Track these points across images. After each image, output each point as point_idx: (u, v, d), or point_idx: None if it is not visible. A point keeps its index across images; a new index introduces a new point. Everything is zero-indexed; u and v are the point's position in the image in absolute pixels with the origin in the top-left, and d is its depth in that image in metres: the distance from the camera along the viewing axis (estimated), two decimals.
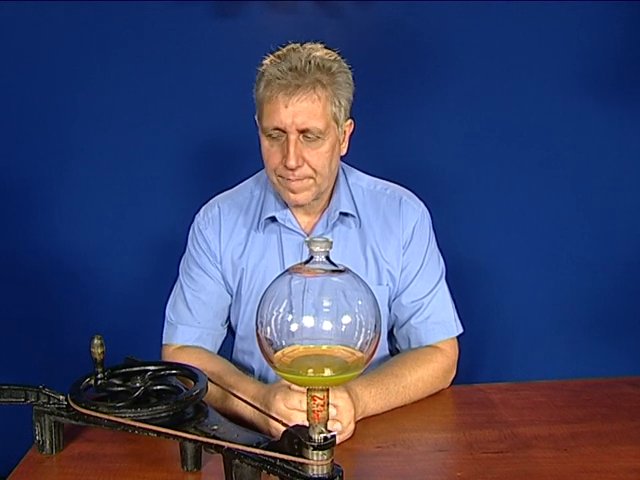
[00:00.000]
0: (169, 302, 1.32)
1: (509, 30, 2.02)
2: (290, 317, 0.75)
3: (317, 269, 0.76)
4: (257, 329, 0.77)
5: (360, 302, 0.76)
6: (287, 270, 0.79)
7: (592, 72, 2.03)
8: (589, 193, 2.11)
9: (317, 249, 0.76)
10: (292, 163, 1.13)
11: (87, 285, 2.05)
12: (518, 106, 2.06)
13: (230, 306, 1.32)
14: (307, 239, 0.78)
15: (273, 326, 0.75)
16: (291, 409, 0.99)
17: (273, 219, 1.26)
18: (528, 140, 2.08)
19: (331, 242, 0.77)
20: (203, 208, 1.34)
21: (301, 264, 0.79)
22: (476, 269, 1.98)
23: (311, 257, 0.77)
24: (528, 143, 2.08)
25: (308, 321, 0.74)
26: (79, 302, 2.05)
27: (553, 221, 2.12)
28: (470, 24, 2.01)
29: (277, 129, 1.14)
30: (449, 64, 2.03)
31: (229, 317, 1.34)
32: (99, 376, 0.98)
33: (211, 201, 1.34)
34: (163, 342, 1.30)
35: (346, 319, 0.75)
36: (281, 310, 0.75)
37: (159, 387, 0.99)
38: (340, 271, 0.77)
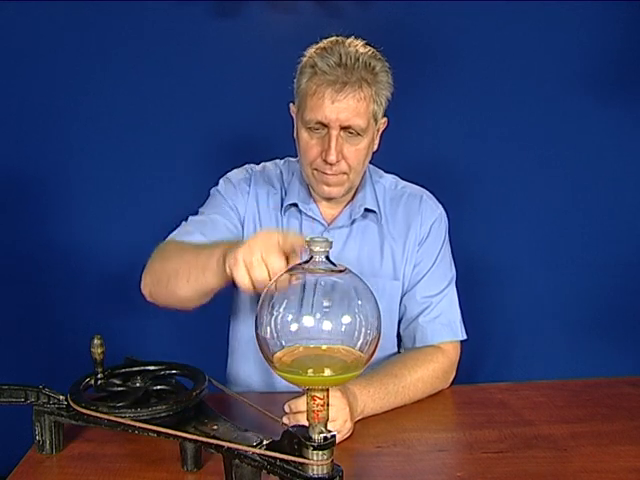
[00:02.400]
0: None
1: (509, 30, 2.03)
2: (290, 317, 0.74)
3: (317, 269, 0.76)
4: (257, 329, 0.77)
5: (360, 302, 0.76)
6: (287, 270, 0.79)
7: (592, 72, 2.04)
8: (589, 193, 2.11)
9: (317, 249, 0.76)
10: (333, 158, 1.15)
11: (87, 285, 2.05)
12: (518, 106, 2.06)
13: None
14: (307, 239, 0.77)
15: (273, 326, 0.75)
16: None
17: (294, 205, 1.28)
18: (528, 140, 2.08)
19: (331, 242, 0.77)
20: (235, 169, 1.35)
21: (301, 264, 0.79)
22: (475, 269, 1.98)
23: (311, 257, 0.77)
24: (528, 143, 2.08)
25: (308, 321, 0.74)
26: (79, 302, 2.05)
27: (553, 221, 2.12)
28: (470, 24, 2.01)
29: (319, 123, 1.15)
30: (449, 64, 2.03)
31: None
32: (99, 376, 0.98)
33: (244, 166, 1.36)
34: (169, 237, 1.23)
35: (346, 319, 0.75)
36: (281, 310, 0.75)
37: (159, 387, 0.99)
38: (340, 271, 0.77)
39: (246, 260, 0.86)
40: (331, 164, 1.16)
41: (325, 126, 1.15)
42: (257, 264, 0.85)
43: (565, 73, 2.05)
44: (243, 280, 0.86)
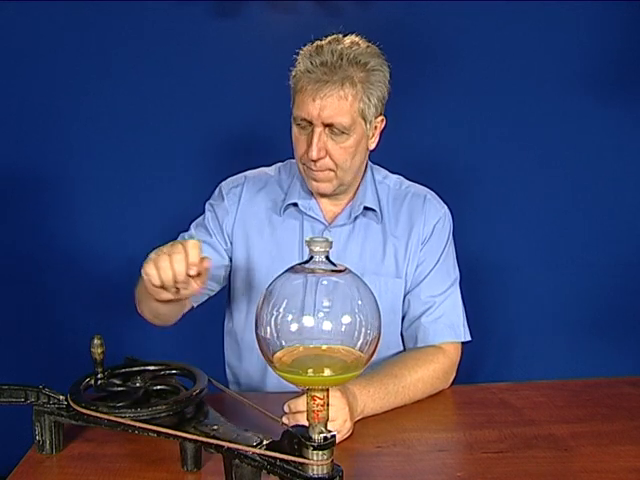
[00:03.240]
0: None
1: (509, 30, 2.02)
2: (290, 317, 0.74)
3: (317, 269, 0.76)
4: (257, 329, 0.77)
5: (360, 302, 0.76)
6: (287, 269, 0.79)
7: (592, 72, 2.03)
8: (589, 193, 2.11)
9: (317, 249, 0.76)
10: (313, 154, 1.16)
11: (87, 285, 2.05)
12: (518, 106, 2.06)
13: (229, 276, 1.34)
14: (307, 238, 0.77)
15: (273, 326, 0.75)
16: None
17: (295, 205, 1.29)
18: (528, 140, 2.08)
19: (331, 242, 0.77)
20: (230, 178, 1.37)
21: (301, 264, 0.79)
22: (475, 269, 1.97)
23: (311, 257, 0.77)
24: (528, 143, 2.08)
25: (308, 321, 0.74)
26: (79, 302, 2.05)
27: (553, 221, 2.12)
28: (470, 24, 2.01)
29: (304, 120, 1.17)
30: (449, 64, 2.03)
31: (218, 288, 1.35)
32: (99, 376, 0.98)
33: (239, 174, 1.38)
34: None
35: (346, 319, 0.75)
36: (281, 310, 0.75)
37: (159, 387, 0.99)
38: (340, 271, 0.77)
39: (153, 256, 1.00)
40: (313, 160, 1.17)
41: (310, 123, 1.16)
42: (162, 258, 0.98)
43: (565, 73, 2.05)
44: (151, 271, 0.99)
